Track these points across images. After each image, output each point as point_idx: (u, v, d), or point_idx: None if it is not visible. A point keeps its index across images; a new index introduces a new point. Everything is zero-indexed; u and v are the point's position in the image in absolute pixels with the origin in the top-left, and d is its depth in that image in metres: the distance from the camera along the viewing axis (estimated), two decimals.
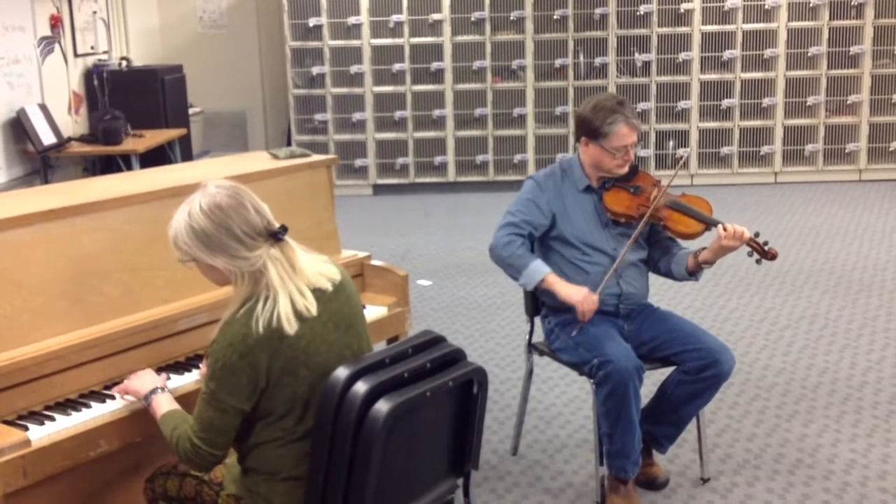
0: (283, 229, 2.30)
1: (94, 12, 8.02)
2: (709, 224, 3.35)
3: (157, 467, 2.58)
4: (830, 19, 8.60)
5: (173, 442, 2.33)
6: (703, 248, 3.33)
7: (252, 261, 2.25)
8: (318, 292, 2.32)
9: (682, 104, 8.78)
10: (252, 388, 2.23)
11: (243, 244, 2.25)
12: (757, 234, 3.31)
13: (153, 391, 2.49)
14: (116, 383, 2.66)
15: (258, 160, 3.63)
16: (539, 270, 3.31)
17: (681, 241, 3.48)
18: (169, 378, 2.70)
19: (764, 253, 3.29)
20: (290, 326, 2.23)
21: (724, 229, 3.23)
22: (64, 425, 2.44)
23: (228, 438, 2.29)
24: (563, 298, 3.28)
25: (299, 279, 2.29)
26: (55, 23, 7.35)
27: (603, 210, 3.41)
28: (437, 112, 8.87)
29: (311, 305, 2.28)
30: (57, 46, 7.43)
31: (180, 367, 2.81)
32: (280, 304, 2.23)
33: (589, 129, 3.36)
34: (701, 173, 8.88)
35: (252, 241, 2.25)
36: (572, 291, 3.27)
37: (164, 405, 2.44)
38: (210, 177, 3.14)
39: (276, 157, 3.62)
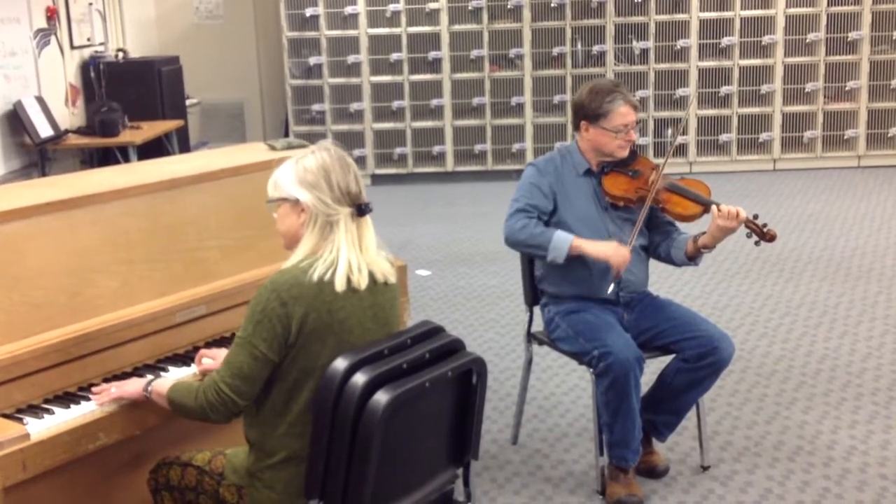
0: (368, 207, 2.40)
1: (90, 4, 7.98)
2: (707, 205, 3.35)
3: (160, 459, 2.58)
4: (829, 5, 8.57)
5: (194, 396, 2.35)
6: (703, 233, 3.32)
7: (330, 211, 2.34)
8: (371, 280, 2.37)
9: (680, 91, 8.77)
10: (283, 340, 2.28)
11: (332, 192, 2.35)
12: (756, 216, 3.30)
13: (149, 382, 2.51)
14: (116, 376, 2.66)
15: (256, 151, 3.62)
16: (564, 239, 3.29)
17: (680, 225, 3.48)
18: (168, 370, 2.71)
19: (762, 234, 3.28)
20: (341, 285, 2.30)
21: (719, 210, 3.23)
22: (63, 418, 2.44)
23: (253, 389, 2.32)
24: (595, 256, 3.27)
25: (361, 257, 2.37)
26: (51, 14, 7.33)
27: (602, 194, 3.41)
28: (434, 101, 8.86)
29: (363, 281, 2.35)
30: (53, 38, 7.40)
31: (179, 359, 2.81)
32: (340, 263, 2.32)
33: (588, 112, 3.36)
34: (700, 161, 8.87)
35: (340, 195, 2.35)
36: (603, 247, 3.27)
37: (166, 384, 2.47)
38: (208, 168, 3.17)
39: (273, 147, 3.61)
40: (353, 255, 2.35)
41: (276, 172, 2.44)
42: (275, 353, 2.29)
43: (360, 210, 2.38)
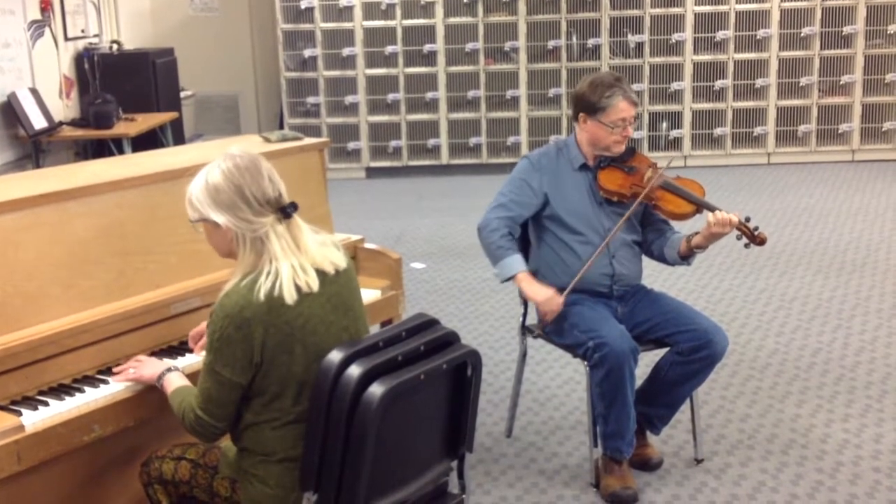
0: (293, 206, 2.33)
1: None
2: (700, 206, 3.36)
3: (152, 451, 2.58)
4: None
5: (180, 414, 2.37)
6: (696, 233, 3.33)
7: (255, 227, 2.28)
8: (320, 274, 2.33)
9: (675, 85, 8.77)
10: (247, 361, 2.25)
11: (250, 207, 2.28)
12: (748, 219, 3.31)
13: (166, 371, 2.52)
14: (110, 368, 2.66)
15: (250, 143, 3.61)
16: (513, 267, 3.34)
17: (672, 223, 3.49)
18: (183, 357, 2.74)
19: (753, 238, 3.29)
20: (291, 297, 2.25)
21: (713, 216, 3.23)
22: (58, 410, 2.44)
23: (227, 411, 2.32)
24: (527, 297, 3.37)
25: (303, 257, 2.31)
26: (45, 6, 7.31)
27: (597, 188, 3.42)
28: (429, 94, 8.85)
29: (312, 282, 2.29)
30: (47, 30, 7.38)
31: (174, 351, 2.81)
32: (283, 274, 2.26)
33: (587, 105, 3.36)
34: (694, 154, 8.88)
35: (259, 206, 2.28)
36: (537, 291, 3.31)
37: (175, 382, 2.48)
38: (203, 159, 3.16)
39: (268, 140, 3.61)
40: (293, 260, 2.29)
41: (189, 189, 2.35)
42: (240, 376, 2.26)
43: (285, 213, 2.31)
